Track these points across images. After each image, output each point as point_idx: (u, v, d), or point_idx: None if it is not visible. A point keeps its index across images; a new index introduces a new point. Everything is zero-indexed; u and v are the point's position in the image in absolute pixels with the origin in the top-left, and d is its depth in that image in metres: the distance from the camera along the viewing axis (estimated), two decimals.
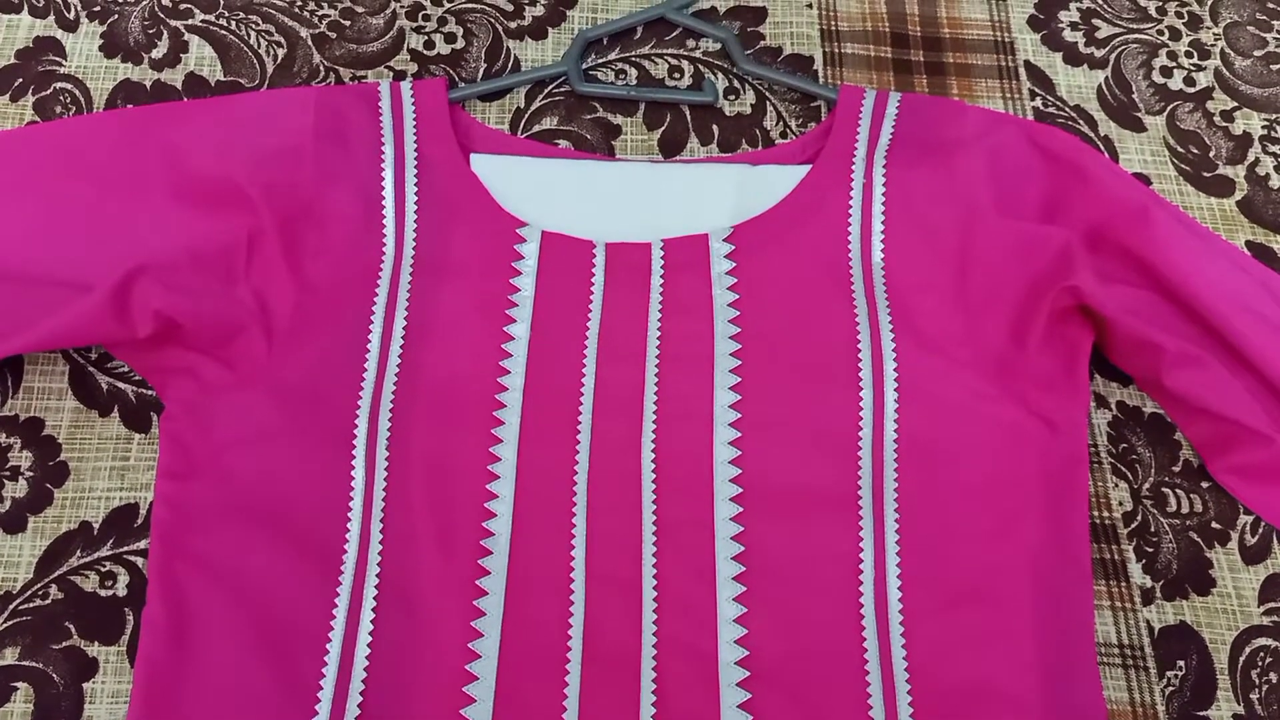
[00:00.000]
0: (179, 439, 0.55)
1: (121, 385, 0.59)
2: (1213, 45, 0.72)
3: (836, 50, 0.71)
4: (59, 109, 0.66)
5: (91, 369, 0.59)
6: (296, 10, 0.71)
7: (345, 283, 0.59)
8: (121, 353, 0.57)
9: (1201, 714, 0.52)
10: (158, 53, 0.69)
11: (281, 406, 0.55)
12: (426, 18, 0.71)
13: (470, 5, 0.72)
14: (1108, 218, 0.59)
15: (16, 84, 0.67)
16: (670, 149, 0.67)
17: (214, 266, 0.57)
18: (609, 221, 0.62)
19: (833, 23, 0.72)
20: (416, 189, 0.61)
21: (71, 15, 0.70)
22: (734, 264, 0.60)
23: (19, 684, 0.51)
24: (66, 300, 0.55)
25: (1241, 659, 0.54)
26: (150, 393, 0.58)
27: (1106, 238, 0.59)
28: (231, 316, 0.56)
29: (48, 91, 0.67)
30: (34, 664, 0.52)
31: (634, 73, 0.70)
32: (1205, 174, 0.67)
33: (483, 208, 0.61)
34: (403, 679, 0.50)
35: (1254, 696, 0.53)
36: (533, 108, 0.68)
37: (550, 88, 0.69)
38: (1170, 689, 0.53)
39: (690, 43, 0.71)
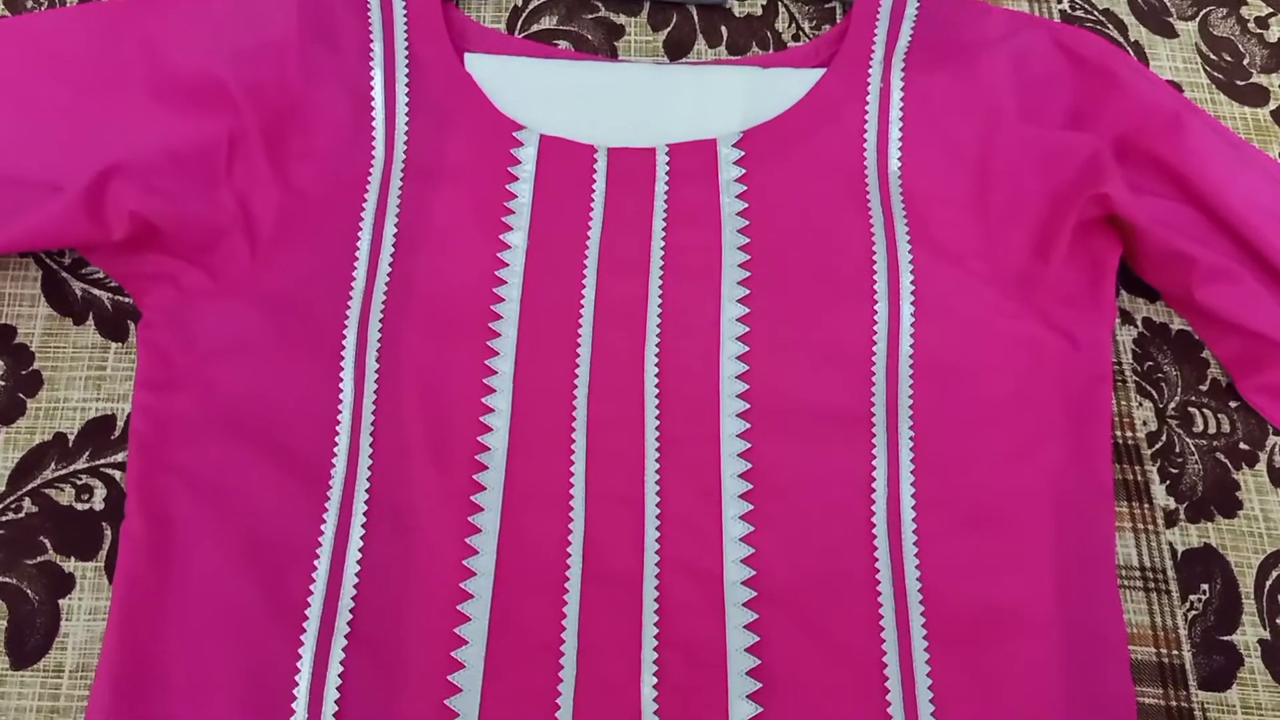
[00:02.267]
0: (158, 348, 0.52)
1: (97, 292, 0.56)
2: None
3: None
4: (30, 3, 0.63)
5: (65, 275, 0.56)
6: None
7: (332, 188, 0.56)
8: (96, 257, 0.54)
9: (1225, 638, 0.50)
10: None
11: (266, 316, 0.53)
12: None
13: None
14: (1138, 125, 0.56)
15: None
16: (676, 51, 0.64)
17: (193, 168, 0.54)
18: (611, 126, 0.59)
19: None
20: (408, 90, 0.58)
21: None
22: (743, 171, 0.57)
23: None
24: (38, 201, 0.52)
25: (1268, 583, 0.52)
26: (127, 300, 0.55)
27: (1137, 146, 0.56)
28: (212, 221, 0.53)
29: None
30: (7, 579, 0.50)
31: None
32: (1238, 82, 0.64)
33: (478, 110, 0.58)
34: (394, 597, 0.48)
35: None
36: (531, 6, 0.64)
37: None
38: (1193, 613, 0.51)
39: None
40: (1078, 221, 0.54)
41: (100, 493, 0.51)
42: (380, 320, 0.53)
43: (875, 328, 0.53)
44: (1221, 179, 0.55)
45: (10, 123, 0.55)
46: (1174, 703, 0.49)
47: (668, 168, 0.57)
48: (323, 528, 0.49)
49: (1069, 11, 0.65)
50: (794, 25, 0.64)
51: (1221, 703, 0.49)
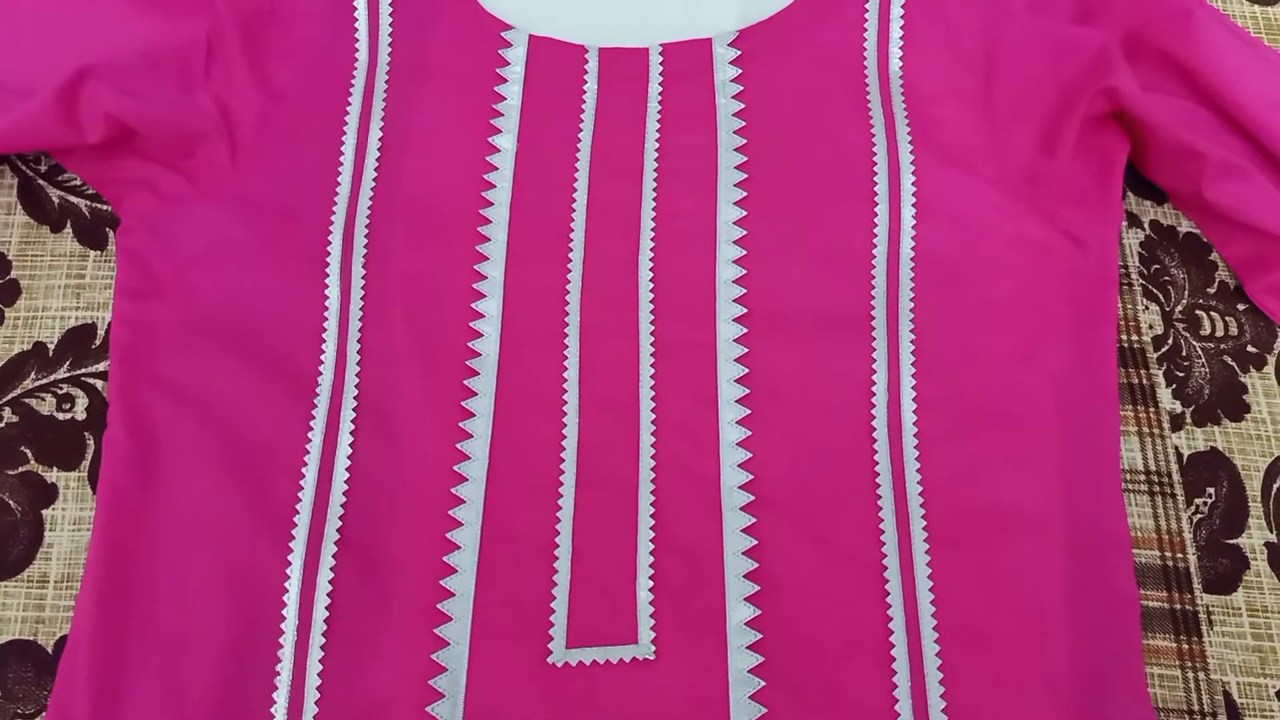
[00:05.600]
0: (138, 255, 0.51)
1: (74, 199, 0.54)
2: None
3: None
4: None
5: (41, 181, 0.54)
6: None
7: (315, 90, 0.54)
8: (73, 162, 0.52)
9: (1231, 542, 0.50)
10: None
11: (248, 222, 0.51)
12: None
13: None
14: (1148, 20, 0.54)
15: None
16: None
17: (169, 71, 0.52)
18: (602, 24, 0.57)
19: None
20: None
21: None
22: (740, 71, 0.55)
23: None
24: (10, 105, 0.50)
25: (1275, 486, 0.51)
26: (106, 208, 0.54)
27: (1146, 42, 0.54)
28: (190, 123, 0.51)
29: None
30: None
31: None
32: None
33: (464, 8, 0.56)
34: (384, 502, 0.47)
35: None
36: None
37: None
38: (1199, 516, 0.50)
39: None
40: (1085, 116, 0.52)
41: (82, 402, 0.50)
42: (366, 225, 0.51)
43: (875, 230, 0.52)
44: (1233, 75, 0.53)
45: None
46: (1179, 606, 0.48)
47: (661, 68, 0.55)
48: (310, 434, 0.48)
49: None
50: None
51: (1227, 606, 0.49)
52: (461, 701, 0.44)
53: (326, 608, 0.45)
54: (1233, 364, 0.53)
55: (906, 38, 0.56)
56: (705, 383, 0.49)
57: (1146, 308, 0.54)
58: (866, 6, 0.56)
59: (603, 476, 0.47)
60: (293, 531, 0.46)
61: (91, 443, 0.49)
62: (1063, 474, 0.48)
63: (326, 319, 0.50)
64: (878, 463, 0.48)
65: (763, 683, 0.44)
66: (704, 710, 0.44)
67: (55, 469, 0.49)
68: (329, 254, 0.51)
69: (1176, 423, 0.52)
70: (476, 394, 0.48)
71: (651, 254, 0.51)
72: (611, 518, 0.47)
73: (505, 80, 0.54)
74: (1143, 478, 0.50)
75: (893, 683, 0.44)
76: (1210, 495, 0.50)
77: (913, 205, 0.52)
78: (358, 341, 0.49)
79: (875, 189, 0.53)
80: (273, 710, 0.44)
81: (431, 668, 0.44)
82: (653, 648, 0.45)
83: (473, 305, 0.50)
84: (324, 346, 0.49)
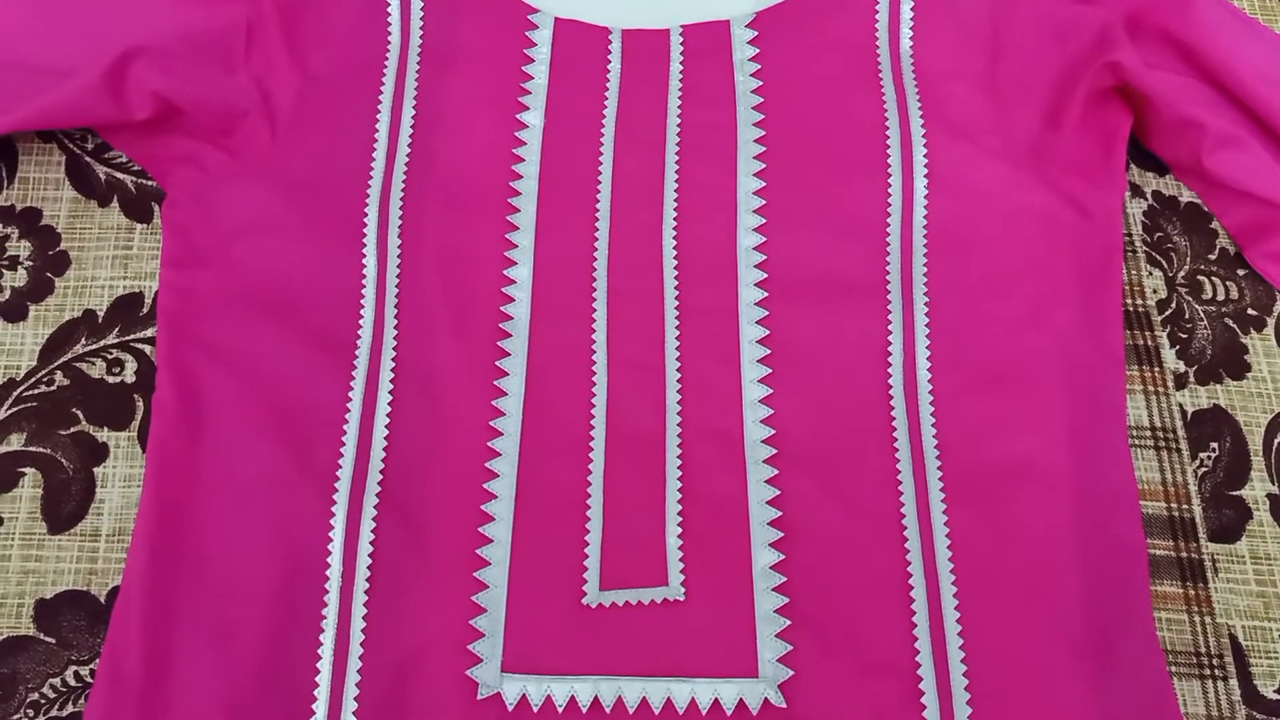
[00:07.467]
0: (183, 227, 0.53)
1: (120, 175, 0.56)
2: None
3: None
4: None
5: (89, 159, 0.57)
6: None
7: (350, 73, 0.56)
8: (119, 139, 0.55)
9: (1234, 494, 0.52)
10: None
11: (288, 196, 0.53)
12: None
13: None
14: (1148, 1, 0.57)
15: None
16: None
17: (212, 53, 0.55)
18: (625, 7, 0.59)
19: None
20: None
21: None
22: (757, 51, 0.57)
23: (27, 469, 0.50)
24: (56, 83, 0.52)
25: (1276, 441, 0.53)
26: (151, 183, 0.56)
27: (1147, 21, 0.57)
28: (232, 102, 0.54)
29: None
30: (41, 449, 0.51)
31: None
32: None
33: None
34: (422, 461, 0.49)
35: None
36: None
37: None
38: (1203, 470, 0.52)
39: None
40: (1089, 90, 0.55)
41: (131, 366, 0.52)
42: (401, 199, 0.53)
43: (889, 201, 0.54)
44: (1230, 50, 0.56)
45: (28, 13, 0.55)
46: (1184, 554, 0.50)
47: (682, 48, 0.57)
48: (350, 396, 0.50)
49: None
50: None
51: (1231, 554, 0.50)
52: (500, 640, 0.45)
53: (370, 556, 0.47)
54: (1234, 326, 0.55)
55: (917, 19, 0.58)
56: (727, 344, 0.51)
57: (1150, 273, 0.56)
58: None
59: (631, 433, 0.50)
60: (335, 485, 0.48)
61: (140, 404, 0.52)
62: (1071, 430, 0.50)
63: (364, 288, 0.52)
64: (894, 419, 0.50)
65: (788, 622, 0.46)
66: (732, 647, 0.46)
67: (106, 429, 0.51)
68: (365, 226, 0.53)
69: (1180, 381, 0.54)
70: (510, 354, 0.50)
71: (675, 223, 0.54)
72: (640, 471, 0.49)
73: (532, 60, 0.57)
74: (1149, 433, 0.52)
75: (912, 622, 0.46)
76: (1214, 450, 0.52)
77: (925, 177, 0.54)
78: (395, 308, 0.51)
79: (888, 162, 0.55)
80: (319, 652, 0.45)
81: (472, 609, 0.46)
82: (682, 590, 0.47)
83: (504, 273, 0.52)
84: (362, 313, 0.51)
